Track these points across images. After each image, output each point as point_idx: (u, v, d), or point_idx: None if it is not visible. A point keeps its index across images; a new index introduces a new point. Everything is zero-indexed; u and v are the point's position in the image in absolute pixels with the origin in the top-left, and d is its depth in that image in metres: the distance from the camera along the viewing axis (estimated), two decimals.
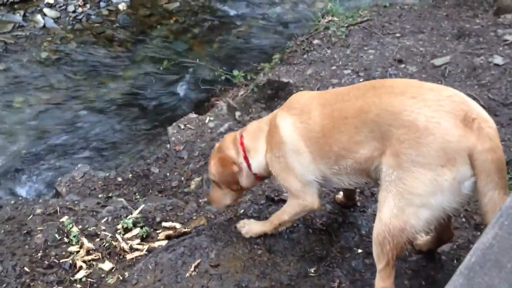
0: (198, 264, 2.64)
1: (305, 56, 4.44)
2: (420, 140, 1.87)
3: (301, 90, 4.13)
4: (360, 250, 2.59)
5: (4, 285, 2.51)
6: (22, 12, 7.37)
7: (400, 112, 1.93)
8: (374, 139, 2.03)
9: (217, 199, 2.74)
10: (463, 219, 2.72)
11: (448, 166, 1.85)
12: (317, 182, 2.36)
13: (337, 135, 2.15)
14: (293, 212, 2.51)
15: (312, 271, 2.51)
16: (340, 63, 4.18)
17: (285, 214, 2.56)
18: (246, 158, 2.55)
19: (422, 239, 2.49)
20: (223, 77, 5.62)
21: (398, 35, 4.69)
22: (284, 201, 3.02)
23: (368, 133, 2.04)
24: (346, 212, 2.86)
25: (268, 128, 2.48)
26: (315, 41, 4.52)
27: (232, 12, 8.20)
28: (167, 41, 7.48)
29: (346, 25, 4.61)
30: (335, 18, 4.79)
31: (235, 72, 5.64)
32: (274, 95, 4.34)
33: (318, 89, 4.00)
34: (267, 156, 2.47)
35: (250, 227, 2.71)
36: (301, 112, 2.30)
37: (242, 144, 2.56)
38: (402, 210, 1.95)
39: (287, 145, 2.32)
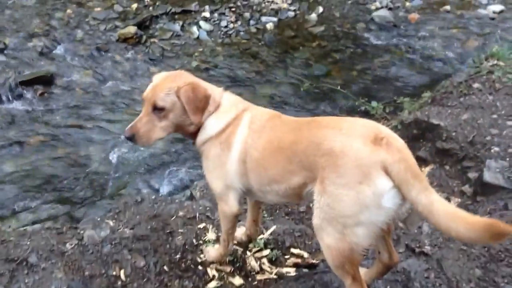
0: None
1: (461, 99, 4.13)
2: (337, 162, 2.05)
3: (451, 135, 3.85)
4: None
5: (144, 280, 2.68)
6: (181, 23, 8.05)
7: (321, 142, 2.12)
8: (304, 168, 2.20)
9: (149, 131, 2.39)
10: None
11: (365, 182, 1.99)
12: (242, 191, 2.49)
13: (274, 162, 2.31)
14: (222, 219, 2.61)
15: None
16: (503, 112, 3.81)
17: (222, 225, 2.65)
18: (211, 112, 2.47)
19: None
20: (362, 108, 5.49)
21: None
22: (425, 254, 2.82)
23: (298, 163, 2.21)
24: None
25: (234, 115, 2.46)
26: (475, 85, 4.19)
27: (377, 42, 8.04)
28: (307, 63, 7.59)
29: None
30: (501, 63, 4.40)
31: (374, 104, 5.48)
32: (420, 136, 4.09)
33: (473, 137, 3.68)
34: (214, 134, 2.45)
35: (209, 254, 2.85)
36: (255, 131, 2.40)
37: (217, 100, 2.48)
38: (342, 233, 2.08)
39: (231, 150, 2.42)
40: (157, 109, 2.38)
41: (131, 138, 2.40)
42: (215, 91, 2.51)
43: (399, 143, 2.07)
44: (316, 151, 2.12)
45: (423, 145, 4.03)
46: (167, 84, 2.41)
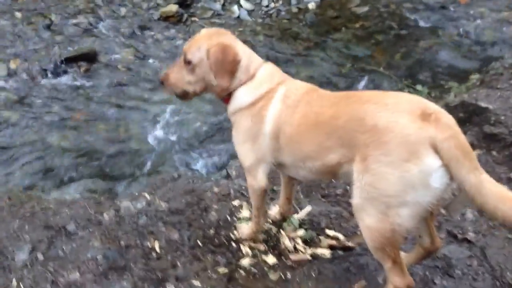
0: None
1: None
2: (381, 139, 1.95)
3: (500, 119, 3.65)
4: None
5: (178, 252, 2.69)
6: (222, 2, 7.99)
7: (364, 117, 2.01)
8: (342, 145, 2.10)
9: (177, 81, 2.43)
10: None
11: (412, 160, 1.89)
12: (273, 165, 2.44)
13: (310, 138, 2.23)
14: (251, 194, 2.57)
15: None
16: None
17: (251, 200, 2.61)
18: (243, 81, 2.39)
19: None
20: (406, 90, 5.30)
21: None
22: (468, 241, 2.70)
23: (337, 139, 2.11)
24: None
25: (268, 89, 2.36)
26: None
27: (423, 23, 7.70)
28: (349, 44, 7.37)
29: None
30: None
31: (419, 87, 5.31)
32: (467, 120, 3.90)
33: None
34: (244, 106, 2.38)
35: (241, 230, 2.84)
36: (290, 106, 2.31)
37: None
38: (385, 213, 1.99)
39: (263, 124, 2.35)
40: (187, 62, 2.40)
41: (162, 83, 2.49)
42: (253, 60, 2.44)
43: (449, 119, 1.96)
44: (358, 127, 2.02)
45: (469, 129, 3.83)
46: (202, 40, 2.40)
